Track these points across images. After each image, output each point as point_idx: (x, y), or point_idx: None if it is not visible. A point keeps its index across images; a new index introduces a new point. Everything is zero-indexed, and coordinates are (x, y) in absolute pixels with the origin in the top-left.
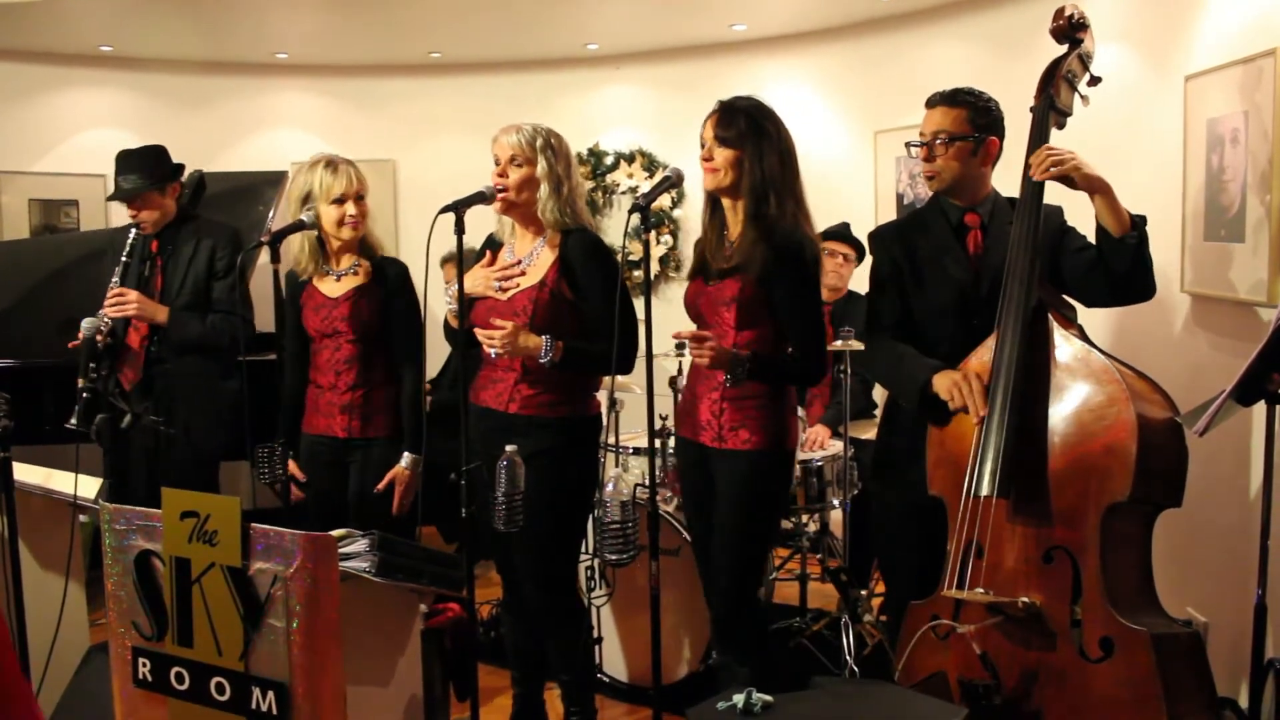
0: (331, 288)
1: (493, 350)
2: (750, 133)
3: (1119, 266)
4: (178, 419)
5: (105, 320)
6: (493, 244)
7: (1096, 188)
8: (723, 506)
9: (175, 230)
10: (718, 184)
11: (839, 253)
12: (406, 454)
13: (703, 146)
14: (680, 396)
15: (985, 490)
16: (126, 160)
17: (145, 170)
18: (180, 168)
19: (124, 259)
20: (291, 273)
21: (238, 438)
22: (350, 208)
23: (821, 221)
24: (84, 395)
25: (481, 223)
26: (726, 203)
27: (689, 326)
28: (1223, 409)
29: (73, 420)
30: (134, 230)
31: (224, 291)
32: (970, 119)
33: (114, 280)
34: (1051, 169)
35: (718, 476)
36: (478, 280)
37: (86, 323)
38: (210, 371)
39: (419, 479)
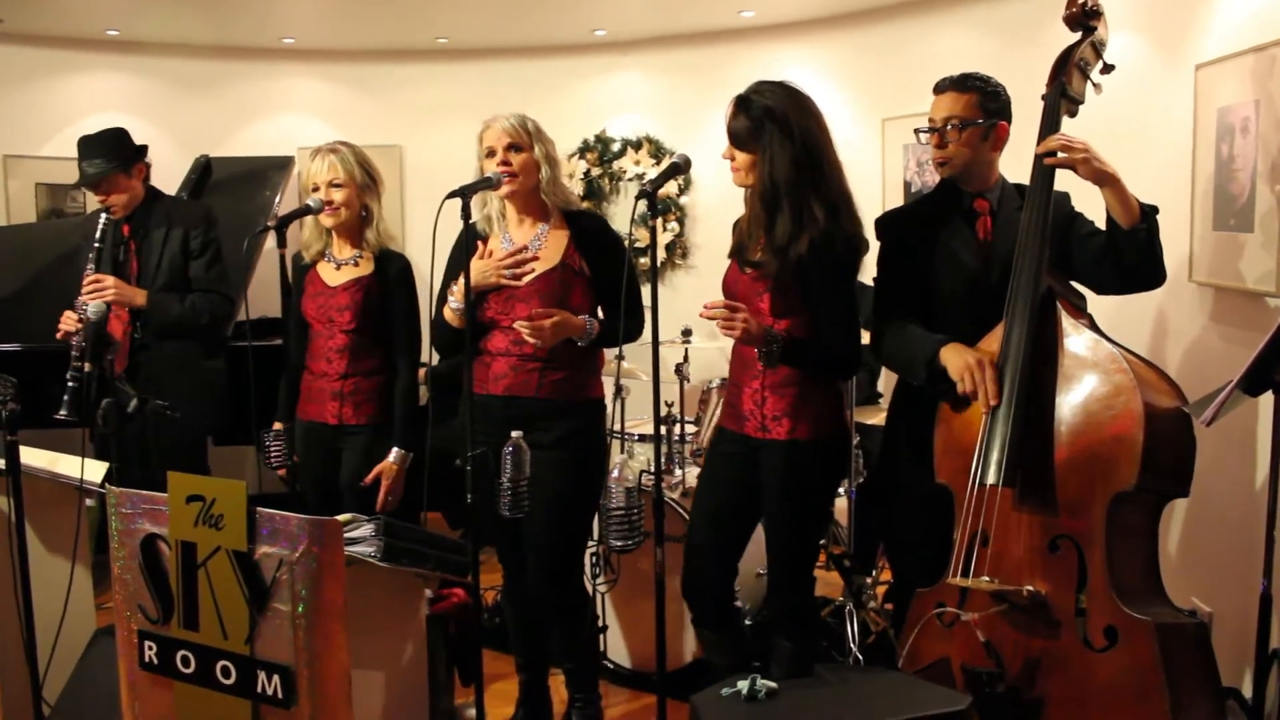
0: (332, 276)
1: (536, 341)
2: (759, 134)
3: (1129, 258)
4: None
5: (86, 307)
6: (475, 235)
7: (1105, 181)
8: (770, 498)
9: (145, 213)
10: (742, 183)
11: None
12: (395, 449)
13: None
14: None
15: (991, 478)
16: (88, 146)
17: (108, 154)
18: (144, 149)
19: (96, 244)
20: (298, 254)
21: (224, 417)
22: (321, 194)
23: None
24: (70, 384)
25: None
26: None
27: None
28: (1230, 399)
29: (62, 411)
30: (104, 215)
31: (202, 270)
32: (981, 104)
33: (89, 267)
34: (1060, 155)
35: (763, 468)
36: (486, 272)
37: (92, 308)
38: (193, 352)
39: (404, 474)
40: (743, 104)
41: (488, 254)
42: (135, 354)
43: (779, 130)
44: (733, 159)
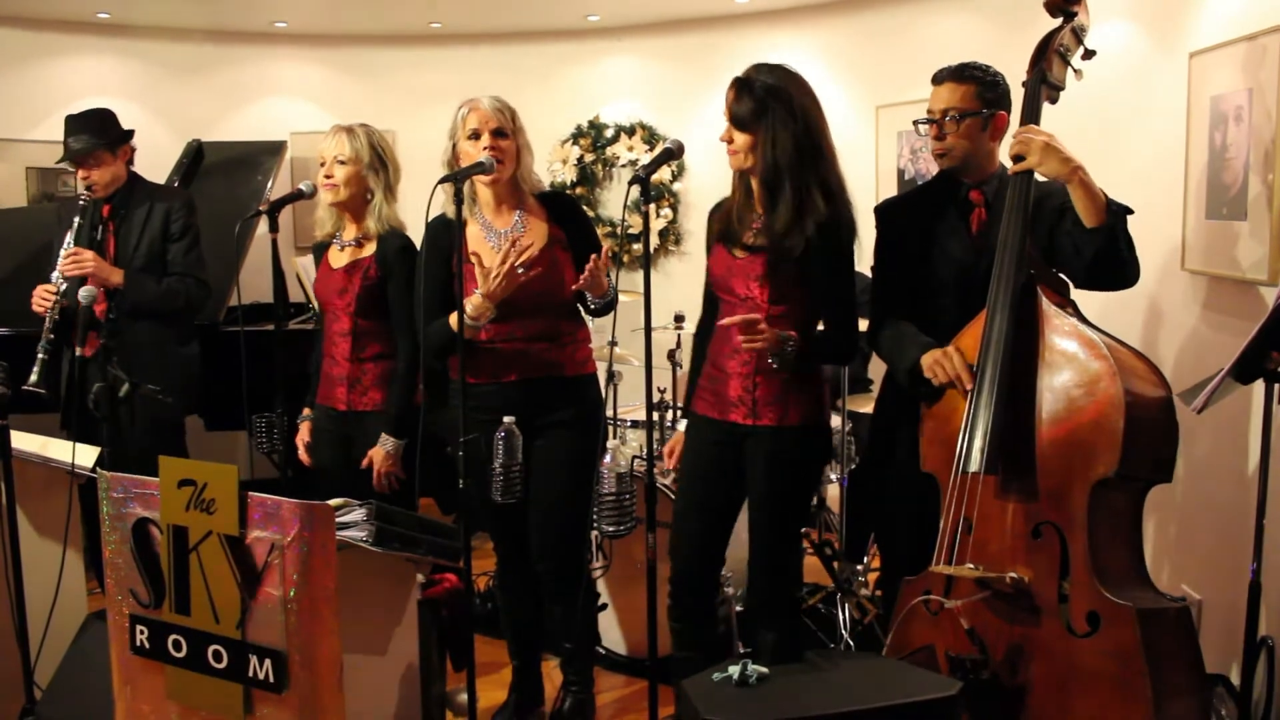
0: (335, 258)
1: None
2: (763, 114)
3: (1086, 255)
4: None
5: (64, 283)
6: (450, 225)
7: (1069, 177)
8: (761, 484)
9: (127, 195)
10: (740, 166)
11: None
12: (384, 436)
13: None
14: (677, 371)
15: (973, 466)
16: (74, 122)
17: (94, 130)
18: (130, 132)
19: (77, 220)
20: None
21: (198, 402)
22: (325, 168)
23: None
24: (41, 356)
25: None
26: (752, 179)
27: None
28: (1221, 387)
29: (33, 379)
30: (85, 193)
31: (180, 254)
32: (979, 94)
33: (67, 242)
34: (1015, 164)
35: (753, 455)
36: (498, 276)
37: (83, 292)
38: (167, 337)
39: (398, 462)
40: (744, 85)
41: (481, 264)
42: (109, 337)
43: (782, 109)
44: (731, 141)
